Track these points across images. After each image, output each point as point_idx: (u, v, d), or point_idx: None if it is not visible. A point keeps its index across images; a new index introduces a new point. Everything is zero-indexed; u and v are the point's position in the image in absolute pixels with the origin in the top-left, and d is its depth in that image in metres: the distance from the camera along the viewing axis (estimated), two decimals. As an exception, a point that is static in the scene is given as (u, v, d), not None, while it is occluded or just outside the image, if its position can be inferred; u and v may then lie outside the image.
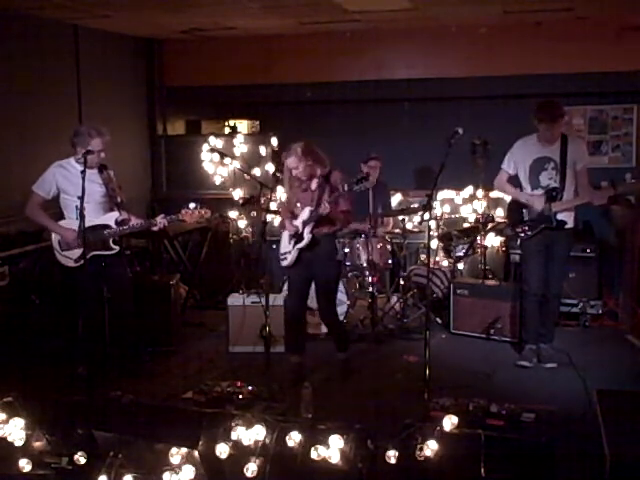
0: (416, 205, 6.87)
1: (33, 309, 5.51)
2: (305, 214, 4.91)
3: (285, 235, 5.08)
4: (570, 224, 5.14)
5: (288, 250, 4.98)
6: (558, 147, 5.07)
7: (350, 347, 5.30)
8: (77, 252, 4.89)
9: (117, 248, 4.96)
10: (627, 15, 6.74)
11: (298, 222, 4.95)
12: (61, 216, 4.98)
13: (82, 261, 4.77)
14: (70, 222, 4.89)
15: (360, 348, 5.61)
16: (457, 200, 7.25)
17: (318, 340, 5.70)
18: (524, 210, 5.20)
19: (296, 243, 4.95)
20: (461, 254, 6.78)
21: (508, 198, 5.59)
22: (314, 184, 4.93)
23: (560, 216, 5.07)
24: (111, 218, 4.94)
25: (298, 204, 5.01)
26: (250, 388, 4.64)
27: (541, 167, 5.12)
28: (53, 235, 4.97)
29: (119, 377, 4.90)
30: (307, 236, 4.89)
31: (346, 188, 4.67)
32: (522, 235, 5.18)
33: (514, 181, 5.31)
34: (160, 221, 4.95)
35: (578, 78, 7.06)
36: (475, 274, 6.77)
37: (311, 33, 7.47)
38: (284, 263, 5.07)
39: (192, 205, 5.00)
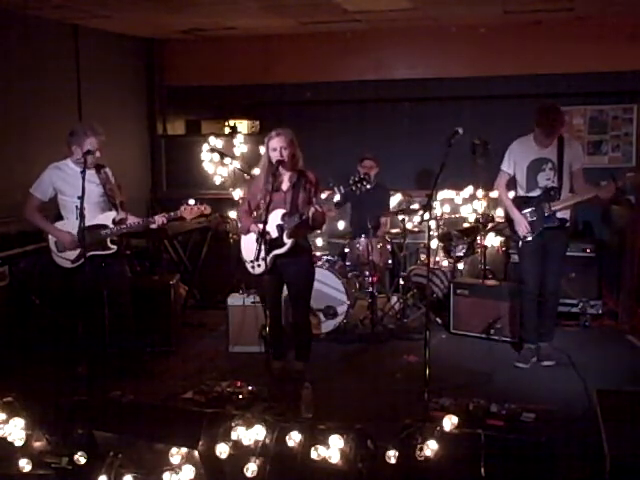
0: (416, 205, 6.88)
1: (33, 309, 5.51)
2: (278, 218, 4.53)
3: (250, 240, 4.65)
4: (567, 223, 5.17)
5: (261, 256, 4.31)
6: (555, 147, 5.07)
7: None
8: (74, 253, 4.88)
9: (115, 248, 4.93)
10: (627, 16, 6.73)
11: (271, 227, 4.47)
12: (60, 217, 4.96)
13: (79, 262, 4.77)
14: (68, 223, 4.88)
15: (360, 348, 5.61)
16: (457, 200, 7.24)
17: (318, 340, 5.69)
18: (526, 211, 5.16)
19: (271, 249, 4.49)
20: (461, 254, 6.78)
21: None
22: (285, 184, 4.61)
23: (560, 214, 5.09)
24: (108, 218, 4.91)
25: (261, 203, 4.53)
26: (250, 388, 4.64)
27: (539, 168, 5.11)
28: (50, 236, 4.95)
29: (119, 377, 4.90)
30: (289, 242, 4.53)
31: (342, 190, 4.39)
32: (523, 236, 5.17)
33: (512, 183, 5.29)
34: (158, 219, 4.88)
35: (578, 78, 7.06)
36: (475, 274, 6.77)
37: (311, 33, 7.47)
38: (257, 271, 4.60)
39: (191, 201, 4.93)
